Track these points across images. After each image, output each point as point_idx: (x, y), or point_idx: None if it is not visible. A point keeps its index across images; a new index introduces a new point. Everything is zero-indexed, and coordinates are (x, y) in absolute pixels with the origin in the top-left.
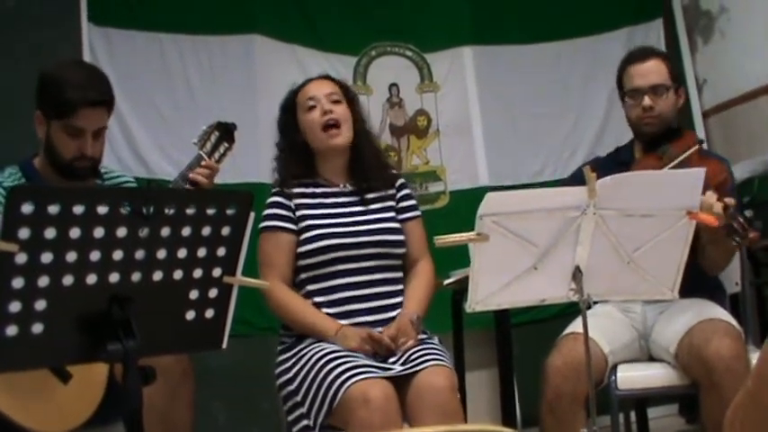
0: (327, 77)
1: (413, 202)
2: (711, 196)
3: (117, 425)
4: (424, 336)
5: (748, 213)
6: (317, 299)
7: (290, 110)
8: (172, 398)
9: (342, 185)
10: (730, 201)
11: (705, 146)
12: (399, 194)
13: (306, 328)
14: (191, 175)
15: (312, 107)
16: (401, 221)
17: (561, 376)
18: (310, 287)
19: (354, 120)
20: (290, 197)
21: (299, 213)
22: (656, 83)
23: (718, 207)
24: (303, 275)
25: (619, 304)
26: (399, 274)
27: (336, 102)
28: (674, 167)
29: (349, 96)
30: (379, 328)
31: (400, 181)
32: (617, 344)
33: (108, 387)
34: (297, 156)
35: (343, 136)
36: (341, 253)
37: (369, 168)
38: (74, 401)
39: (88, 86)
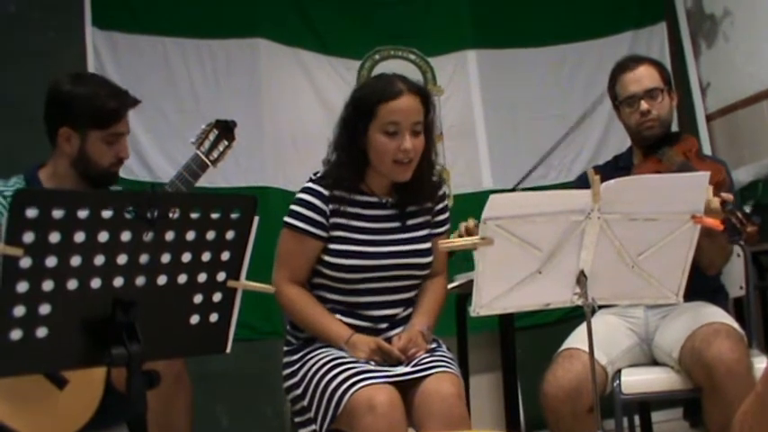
0: (417, 92)
1: (446, 215)
2: (708, 193)
3: (116, 429)
4: (434, 345)
5: (747, 209)
6: (331, 306)
7: (365, 114)
8: (166, 403)
9: (384, 199)
10: (728, 196)
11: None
12: (437, 207)
13: (316, 331)
14: None
15: (392, 133)
16: (431, 236)
17: (558, 401)
18: (327, 294)
19: (425, 149)
20: (327, 200)
21: (332, 220)
22: (651, 86)
23: (716, 203)
24: (322, 281)
25: (619, 310)
26: (417, 292)
27: (417, 133)
28: (676, 170)
29: (428, 121)
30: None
31: (440, 192)
32: (616, 351)
33: (105, 392)
34: (352, 162)
35: (410, 172)
36: (368, 274)
37: (419, 189)
38: (70, 407)
39: (121, 94)
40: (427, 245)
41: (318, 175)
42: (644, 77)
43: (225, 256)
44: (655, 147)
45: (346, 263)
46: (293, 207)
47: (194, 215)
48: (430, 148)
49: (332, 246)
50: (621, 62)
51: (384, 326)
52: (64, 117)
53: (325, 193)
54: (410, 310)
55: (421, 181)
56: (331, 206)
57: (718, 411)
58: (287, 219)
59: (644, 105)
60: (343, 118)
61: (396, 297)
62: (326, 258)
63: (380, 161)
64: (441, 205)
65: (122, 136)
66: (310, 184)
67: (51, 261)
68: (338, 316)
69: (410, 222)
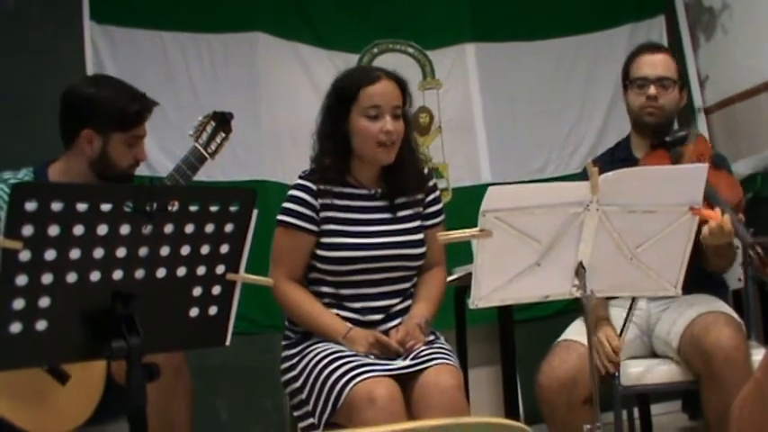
0: (395, 79)
1: (439, 206)
2: (717, 213)
3: (116, 423)
4: (432, 337)
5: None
6: (327, 300)
7: (347, 99)
8: (166, 397)
9: (373, 190)
10: (740, 216)
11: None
12: (428, 199)
13: (313, 327)
14: None
15: (373, 117)
16: (424, 227)
17: (552, 392)
18: (322, 288)
19: (405, 135)
20: (316, 195)
21: (323, 214)
22: (664, 75)
23: (727, 222)
24: (317, 275)
25: (621, 302)
26: (412, 283)
27: (397, 117)
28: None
29: (406, 110)
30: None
31: (430, 183)
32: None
33: (106, 386)
34: (337, 150)
35: (394, 153)
36: (361, 265)
37: (405, 177)
38: (72, 402)
39: (142, 96)
40: (419, 236)
41: (307, 171)
42: (660, 65)
43: (224, 248)
44: (660, 139)
45: (339, 255)
46: (285, 204)
47: (193, 208)
48: (409, 136)
49: (324, 239)
50: (643, 45)
51: (380, 317)
52: (87, 119)
53: (314, 187)
54: (407, 302)
55: (405, 167)
56: (320, 200)
57: (717, 399)
58: (279, 216)
59: (652, 90)
60: (325, 106)
61: (390, 288)
62: (319, 252)
63: (364, 145)
64: (432, 196)
65: (141, 138)
66: (300, 181)
67: (51, 254)
68: (334, 310)
69: (401, 214)
